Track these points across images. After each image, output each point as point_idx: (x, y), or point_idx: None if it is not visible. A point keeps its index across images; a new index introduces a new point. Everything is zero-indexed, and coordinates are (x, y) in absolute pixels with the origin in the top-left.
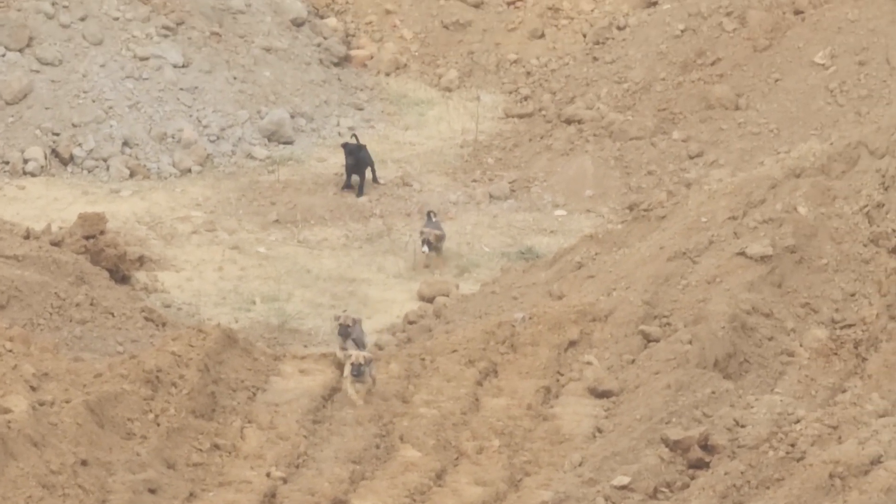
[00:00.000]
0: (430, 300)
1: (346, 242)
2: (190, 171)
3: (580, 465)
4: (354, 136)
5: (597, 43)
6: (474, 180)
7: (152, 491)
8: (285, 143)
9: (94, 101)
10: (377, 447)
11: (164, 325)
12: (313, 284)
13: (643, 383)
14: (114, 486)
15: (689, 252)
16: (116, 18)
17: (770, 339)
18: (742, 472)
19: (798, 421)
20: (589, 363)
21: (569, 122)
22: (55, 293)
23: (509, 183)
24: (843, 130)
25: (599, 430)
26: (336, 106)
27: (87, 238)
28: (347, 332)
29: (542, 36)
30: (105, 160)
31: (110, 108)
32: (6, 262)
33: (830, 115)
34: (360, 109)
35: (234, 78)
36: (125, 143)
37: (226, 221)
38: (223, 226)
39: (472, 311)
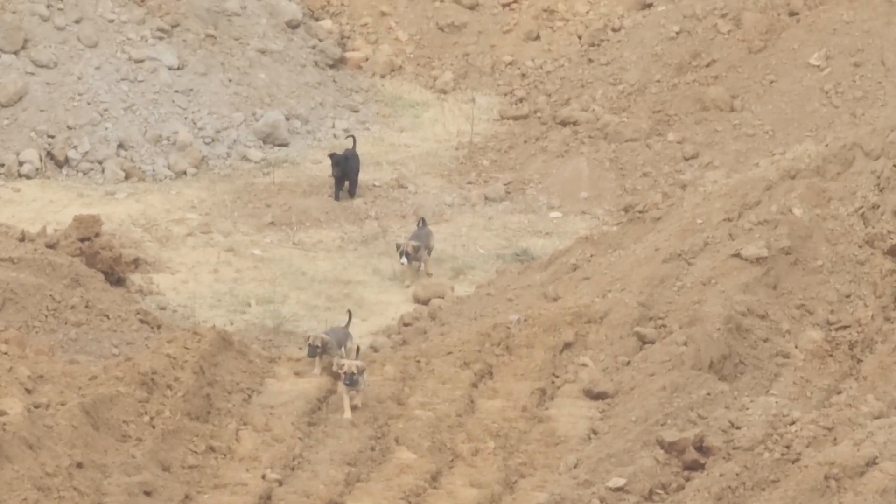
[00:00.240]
0: (426, 302)
1: (341, 244)
2: (185, 173)
3: (575, 466)
4: (352, 137)
5: (592, 45)
6: (469, 182)
7: (147, 493)
8: (280, 145)
9: (89, 104)
10: (372, 449)
11: (159, 327)
12: (308, 287)
13: (638, 385)
14: (109, 489)
15: (685, 254)
16: (111, 21)
17: (765, 340)
18: (737, 474)
19: (793, 422)
20: (584, 365)
21: (564, 123)
22: (50, 295)
23: (504, 185)
24: (838, 132)
25: (595, 432)
26: (331, 108)
27: (82, 240)
28: (316, 352)
29: (538, 38)
30: (100, 162)
31: (105, 110)
32: (1, 264)
33: (825, 117)
34: (356, 111)
35: (229, 80)
36: (120, 146)
37: (221, 224)
38: (218, 228)
39: (467, 313)
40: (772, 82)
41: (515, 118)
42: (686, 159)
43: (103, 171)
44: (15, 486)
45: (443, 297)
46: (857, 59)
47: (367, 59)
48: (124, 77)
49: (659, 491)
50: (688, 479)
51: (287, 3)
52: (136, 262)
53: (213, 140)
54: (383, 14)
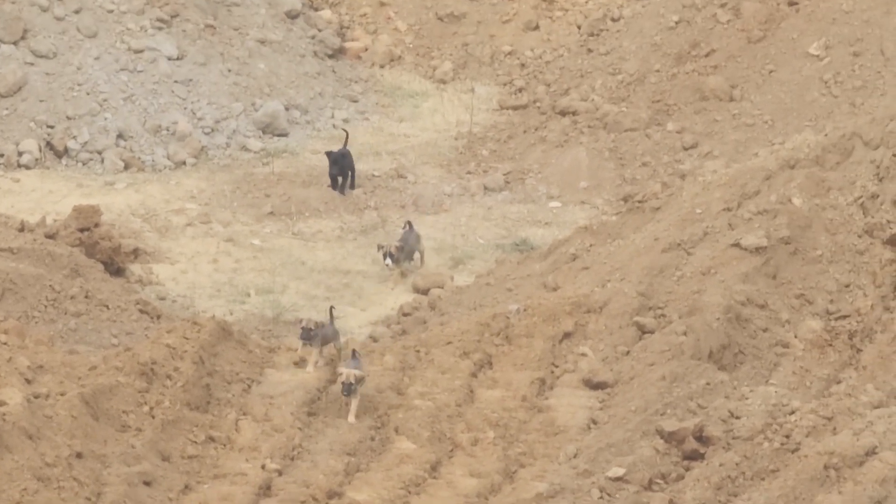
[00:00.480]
0: (425, 292)
1: (340, 234)
2: (184, 163)
3: (575, 456)
4: (345, 131)
5: (591, 34)
6: (469, 172)
7: (147, 483)
8: (280, 135)
9: (88, 94)
10: (372, 439)
11: (158, 317)
12: (308, 276)
13: (638, 375)
14: (109, 479)
15: (684, 243)
16: (111, 11)
17: (765, 330)
18: (737, 464)
19: (793, 412)
20: (584, 355)
21: (563, 113)
22: (50, 286)
23: (504, 175)
24: (838, 121)
25: (594, 422)
26: (330, 98)
27: (81, 230)
28: (309, 335)
29: (537, 28)
30: (100, 153)
31: (105, 100)
32: (1, 254)
33: (825, 107)
34: (355, 101)
35: (229, 70)
36: (120, 136)
37: (220, 214)
38: (218, 218)
39: (466, 303)
40: (771, 72)
41: (515, 108)
42: (685, 149)
43: (103, 161)
44: (15, 476)
45: (442, 287)
46: (857, 48)
47: (366, 49)
48: (124, 67)
49: (658, 480)
50: (687, 469)
51: None
52: (136, 253)
53: (212, 130)
54: (382, 4)
